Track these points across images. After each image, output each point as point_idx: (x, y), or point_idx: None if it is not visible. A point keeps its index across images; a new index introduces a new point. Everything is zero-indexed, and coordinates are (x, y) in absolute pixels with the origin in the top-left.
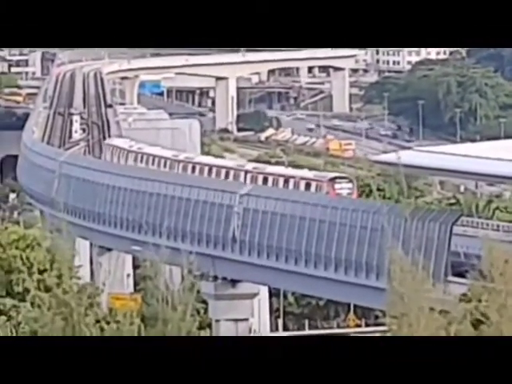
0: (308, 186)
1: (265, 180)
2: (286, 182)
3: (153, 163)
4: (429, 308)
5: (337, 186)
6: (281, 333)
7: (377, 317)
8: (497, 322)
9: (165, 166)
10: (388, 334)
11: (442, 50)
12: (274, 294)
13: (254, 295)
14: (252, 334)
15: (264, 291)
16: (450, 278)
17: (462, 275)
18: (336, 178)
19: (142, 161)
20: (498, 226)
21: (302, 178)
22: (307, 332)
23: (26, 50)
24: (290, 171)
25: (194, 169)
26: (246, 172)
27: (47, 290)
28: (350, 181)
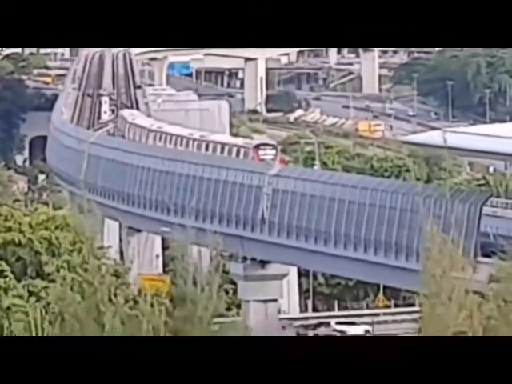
0: (238, 152)
1: (206, 147)
2: (222, 148)
3: (170, 142)
4: (460, 288)
5: (261, 152)
6: (310, 313)
7: (405, 298)
8: None
9: (181, 144)
10: (419, 314)
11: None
12: (303, 274)
13: (284, 276)
14: (281, 316)
15: (293, 272)
16: (480, 258)
17: (491, 256)
18: (260, 144)
19: (160, 139)
20: None
21: (234, 145)
22: (336, 313)
23: None
24: (226, 139)
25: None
26: (194, 140)
27: (76, 270)
28: (274, 147)
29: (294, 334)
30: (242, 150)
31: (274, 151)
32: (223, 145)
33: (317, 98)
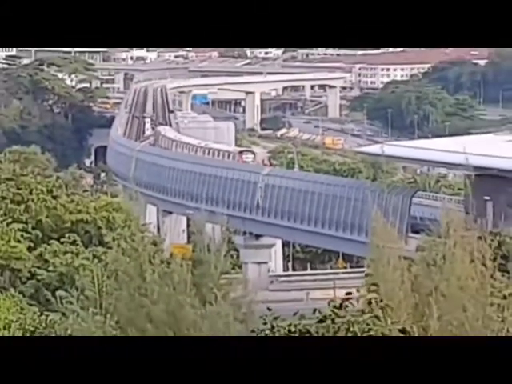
0: (229, 155)
1: (209, 152)
2: (219, 153)
3: (187, 148)
4: (395, 254)
5: (243, 156)
6: (290, 272)
7: (358, 261)
8: (441, 265)
9: (193, 150)
10: (365, 272)
11: (405, 73)
12: (285, 244)
13: (272, 245)
14: (270, 273)
15: (279, 243)
16: (410, 234)
17: (418, 232)
18: (243, 151)
19: (180, 147)
20: (443, 198)
21: (226, 151)
22: (309, 271)
23: (112, 72)
24: (221, 146)
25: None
26: (200, 147)
27: (126, 240)
28: (253, 153)
29: (279, 288)
30: (231, 154)
31: (252, 155)
32: (219, 150)
33: (297, 119)
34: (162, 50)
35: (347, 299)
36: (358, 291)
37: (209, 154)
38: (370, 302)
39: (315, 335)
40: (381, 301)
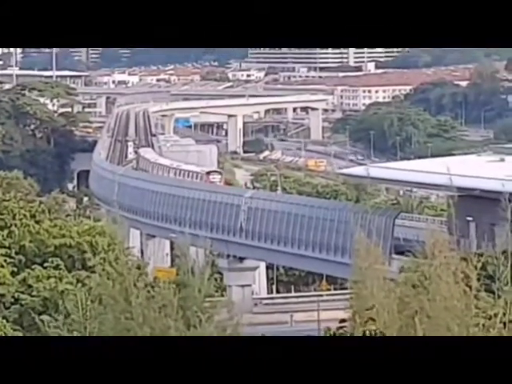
0: (197, 176)
1: (180, 172)
2: (188, 174)
3: (160, 170)
4: (379, 276)
5: (210, 176)
6: (274, 294)
7: (342, 283)
8: (426, 285)
9: (166, 171)
10: (349, 296)
11: (387, 94)
12: (269, 267)
13: (256, 268)
14: (254, 296)
15: (262, 265)
16: (393, 255)
17: (401, 254)
18: (211, 171)
19: (156, 169)
20: (426, 219)
21: (194, 172)
22: (293, 294)
23: (94, 96)
24: (190, 167)
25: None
26: (172, 168)
27: (109, 264)
28: (220, 173)
29: (263, 310)
30: (199, 175)
31: (219, 176)
32: (188, 171)
33: (279, 141)
34: (144, 73)
35: (341, 327)
36: (353, 316)
37: (180, 174)
38: (364, 332)
39: (315, 335)
40: (375, 332)
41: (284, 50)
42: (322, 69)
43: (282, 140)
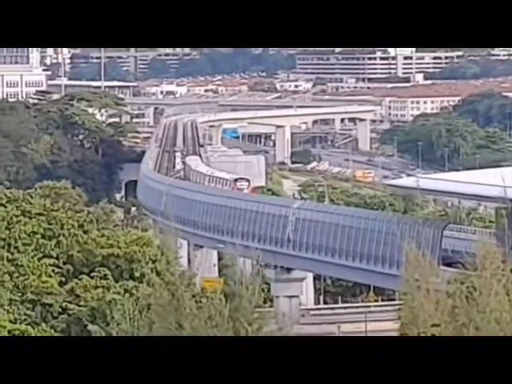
0: (226, 183)
1: (213, 179)
2: (219, 181)
3: (197, 176)
4: (429, 288)
5: (238, 183)
6: (321, 305)
7: (389, 295)
8: (476, 297)
9: (202, 177)
10: (399, 306)
11: (435, 105)
12: (316, 278)
13: (303, 279)
14: (301, 307)
15: (310, 276)
16: (441, 267)
17: (449, 265)
18: (238, 178)
19: (194, 176)
20: (474, 231)
21: (224, 179)
22: (340, 305)
23: (142, 107)
24: (221, 175)
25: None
26: (206, 175)
27: (158, 274)
28: (247, 180)
29: (310, 321)
30: (228, 182)
31: (247, 183)
32: (219, 178)
33: (326, 154)
34: (192, 84)
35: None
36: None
37: (212, 181)
38: None
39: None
40: None
41: (332, 60)
42: (370, 79)
43: (330, 151)
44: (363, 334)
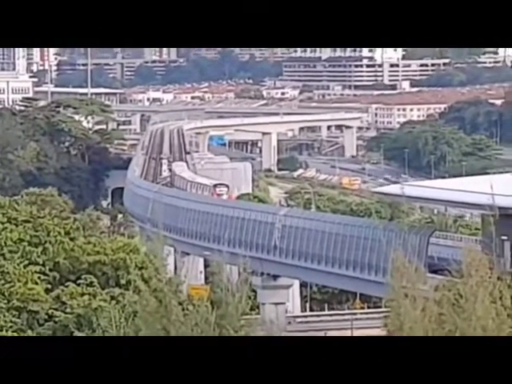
0: (205, 188)
1: (192, 185)
2: (199, 187)
3: (180, 182)
4: (416, 295)
5: (217, 189)
6: (308, 312)
7: (375, 302)
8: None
9: (183, 183)
10: (385, 314)
11: (421, 113)
12: (303, 285)
13: (289, 286)
14: (287, 314)
15: (296, 283)
16: (427, 274)
17: (435, 272)
18: (217, 184)
19: (178, 181)
20: (460, 238)
21: (203, 184)
22: (327, 312)
23: (129, 114)
24: (202, 180)
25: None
26: (185, 179)
27: (144, 281)
28: (227, 186)
29: (296, 329)
30: (208, 188)
31: (226, 189)
32: (199, 184)
33: (313, 161)
34: (178, 91)
35: None
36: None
37: (193, 187)
38: None
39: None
40: None
41: (319, 67)
42: (356, 87)
43: (317, 158)
44: None
